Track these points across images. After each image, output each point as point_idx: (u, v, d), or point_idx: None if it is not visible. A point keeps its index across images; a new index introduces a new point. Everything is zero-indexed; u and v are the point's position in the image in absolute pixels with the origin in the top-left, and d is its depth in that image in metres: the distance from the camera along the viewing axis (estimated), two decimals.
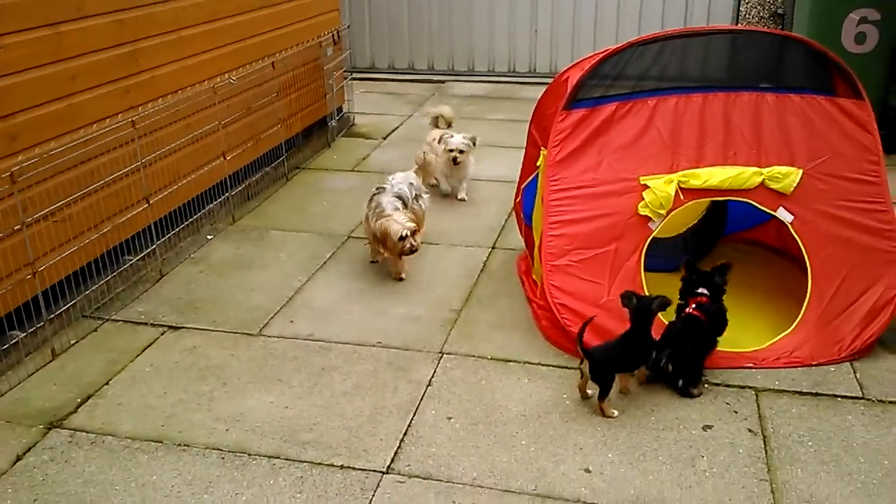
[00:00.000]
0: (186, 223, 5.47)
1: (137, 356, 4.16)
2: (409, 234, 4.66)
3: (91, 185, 4.52)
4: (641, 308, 3.73)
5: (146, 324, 4.47)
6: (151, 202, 5.00)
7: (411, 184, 5.14)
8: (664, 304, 3.75)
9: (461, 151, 5.94)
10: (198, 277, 5.02)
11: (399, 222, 4.67)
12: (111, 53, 4.72)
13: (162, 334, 4.37)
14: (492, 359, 4.12)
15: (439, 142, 6.07)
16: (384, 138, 7.97)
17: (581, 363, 3.69)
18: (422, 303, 4.70)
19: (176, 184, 5.32)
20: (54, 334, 4.25)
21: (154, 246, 5.03)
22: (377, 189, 5.04)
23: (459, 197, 6.15)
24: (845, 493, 3.21)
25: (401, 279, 4.91)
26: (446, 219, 5.87)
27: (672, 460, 3.39)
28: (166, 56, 5.24)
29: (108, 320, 4.50)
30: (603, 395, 3.64)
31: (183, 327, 4.44)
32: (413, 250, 4.72)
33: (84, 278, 4.56)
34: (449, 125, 6.55)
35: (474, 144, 6.06)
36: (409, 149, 7.57)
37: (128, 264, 4.86)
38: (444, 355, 4.15)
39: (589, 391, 3.78)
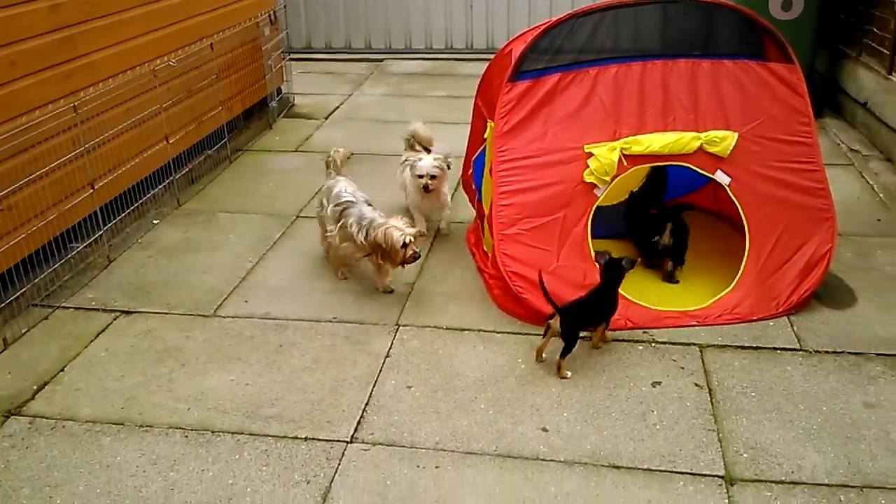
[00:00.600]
0: (132, 208, 5.42)
1: (92, 342, 4.15)
2: (411, 239, 4.27)
3: (35, 172, 4.45)
4: (613, 264, 3.90)
5: (98, 309, 4.45)
6: (96, 188, 4.94)
7: (356, 189, 4.72)
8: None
9: (433, 177, 4.95)
10: (147, 262, 5.00)
11: (400, 228, 4.25)
12: (49, 38, 4.64)
13: (115, 319, 4.35)
14: (447, 329, 4.21)
15: (409, 168, 5.10)
16: (325, 118, 7.97)
17: (551, 318, 3.80)
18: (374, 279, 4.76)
19: (120, 168, 5.27)
20: (5, 324, 4.20)
21: (100, 232, 4.98)
22: (343, 204, 4.55)
23: (442, 228, 5.28)
24: (787, 438, 3.39)
25: (391, 291, 4.58)
26: (393, 193, 5.91)
27: (624, 416, 3.53)
28: (106, 40, 5.16)
29: (58, 308, 4.46)
30: (566, 352, 3.77)
31: (136, 312, 4.42)
32: (416, 258, 4.32)
33: (31, 267, 4.51)
34: (427, 149, 5.40)
35: (449, 167, 5.05)
36: (350, 128, 7.61)
37: (75, 251, 4.81)
38: (401, 327, 4.23)
39: (544, 355, 3.90)
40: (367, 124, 7.73)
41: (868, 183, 6.07)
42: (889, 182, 6.06)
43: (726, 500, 3.06)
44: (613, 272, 3.92)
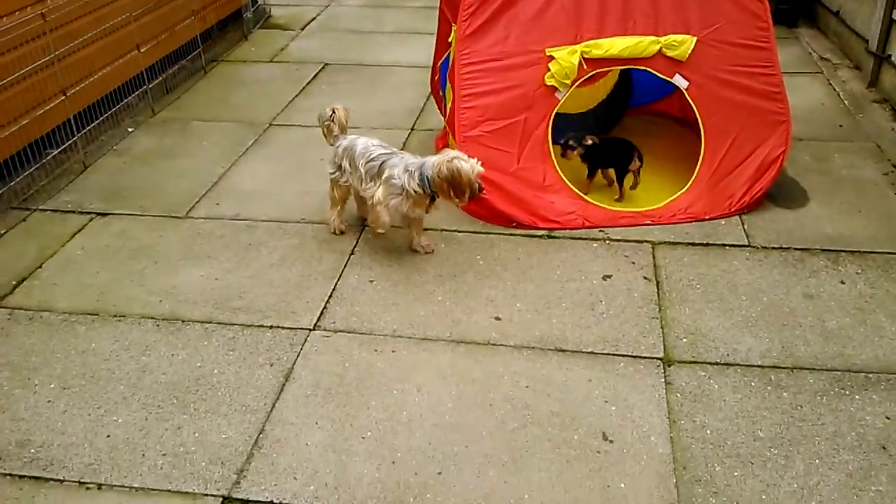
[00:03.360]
0: (106, 115, 5.50)
1: (68, 241, 4.30)
2: (479, 170, 3.85)
3: (4, 80, 4.52)
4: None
5: (74, 212, 4.59)
6: (68, 94, 5.02)
7: (380, 141, 4.21)
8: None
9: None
10: (122, 168, 5.12)
11: (465, 159, 3.82)
12: None
13: (90, 220, 4.50)
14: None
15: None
16: (302, 29, 7.96)
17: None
18: None
19: (91, 77, 5.33)
20: None
21: (75, 138, 5.08)
22: (378, 157, 4.02)
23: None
24: (726, 325, 3.59)
25: (432, 251, 4.20)
26: (367, 103, 6.00)
27: (574, 306, 3.73)
28: None
29: (35, 210, 4.60)
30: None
31: (111, 214, 4.57)
32: (481, 190, 3.90)
33: (8, 172, 4.63)
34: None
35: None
36: (327, 38, 7.63)
37: (50, 156, 4.92)
38: (366, 227, 4.38)
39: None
40: (344, 35, 7.74)
41: (835, 90, 6.17)
42: (855, 89, 6.16)
43: (662, 379, 3.27)
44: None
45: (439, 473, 2.84)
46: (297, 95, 6.26)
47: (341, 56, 7.08)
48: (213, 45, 7.14)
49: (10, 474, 2.86)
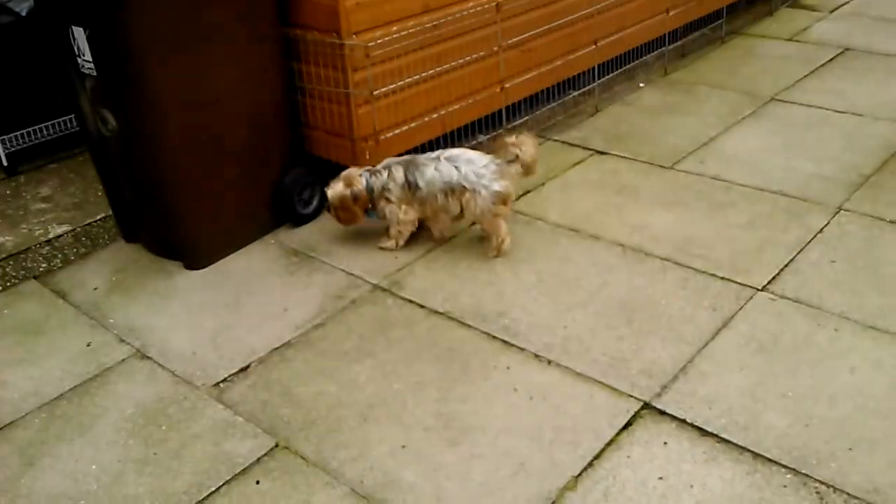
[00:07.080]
0: (624, 69, 6.14)
1: (569, 169, 5.03)
2: None
3: (551, 24, 5.34)
4: None
5: (579, 146, 5.31)
6: (598, 45, 5.73)
7: None
8: None
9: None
10: (627, 117, 5.72)
11: None
12: None
13: (590, 156, 5.18)
14: (891, 222, 4.26)
15: None
16: (831, 12, 7.76)
17: None
18: (831, 164, 4.88)
19: (621, 33, 5.97)
20: None
21: (594, 84, 5.79)
22: None
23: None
24: None
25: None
26: (879, 92, 5.78)
27: None
28: None
29: (549, 140, 5.43)
30: None
31: (607, 153, 5.19)
32: None
33: (535, 102, 5.51)
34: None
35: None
36: (855, 24, 7.36)
37: (570, 96, 5.71)
38: (842, 211, 4.37)
39: None
40: (874, 22, 7.38)
41: None
42: None
43: None
44: None
45: (850, 449, 2.91)
46: (806, 76, 6.25)
47: (865, 43, 6.82)
48: (737, 17, 7.37)
49: (488, 333, 3.64)
